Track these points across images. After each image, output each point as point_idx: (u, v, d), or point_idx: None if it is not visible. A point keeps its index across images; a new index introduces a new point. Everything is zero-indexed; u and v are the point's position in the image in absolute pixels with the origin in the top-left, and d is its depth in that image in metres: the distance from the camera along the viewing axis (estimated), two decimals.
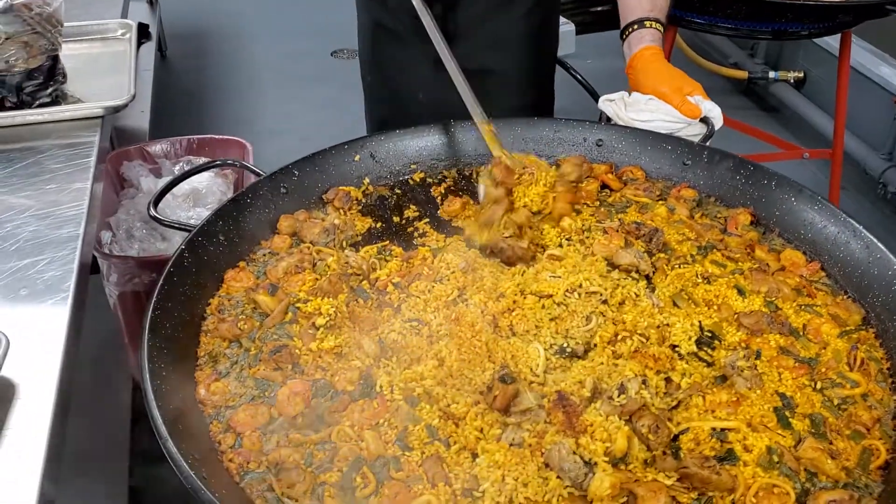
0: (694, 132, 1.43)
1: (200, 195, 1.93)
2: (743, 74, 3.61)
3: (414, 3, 1.43)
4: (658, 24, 1.56)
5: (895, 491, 0.89)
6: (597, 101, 1.64)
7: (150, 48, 3.85)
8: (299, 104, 4.02)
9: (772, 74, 3.56)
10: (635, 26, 1.56)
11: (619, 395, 0.96)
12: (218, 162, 1.41)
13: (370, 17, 1.86)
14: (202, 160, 2.03)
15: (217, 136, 2.18)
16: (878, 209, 3.29)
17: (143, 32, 3.91)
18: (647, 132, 1.44)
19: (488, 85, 1.67)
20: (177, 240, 1.86)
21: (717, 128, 1.42)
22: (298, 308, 1.13)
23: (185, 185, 1.94)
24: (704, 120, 1.43)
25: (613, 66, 4.01)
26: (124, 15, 1.97)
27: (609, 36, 2.80)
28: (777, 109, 3.81)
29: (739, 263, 1.21)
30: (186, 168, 1.96)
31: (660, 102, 1.45)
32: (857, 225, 1.19)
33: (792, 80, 3.59)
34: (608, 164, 1.44)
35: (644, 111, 1.45)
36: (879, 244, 1.15)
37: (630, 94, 1.51)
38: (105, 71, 1.70)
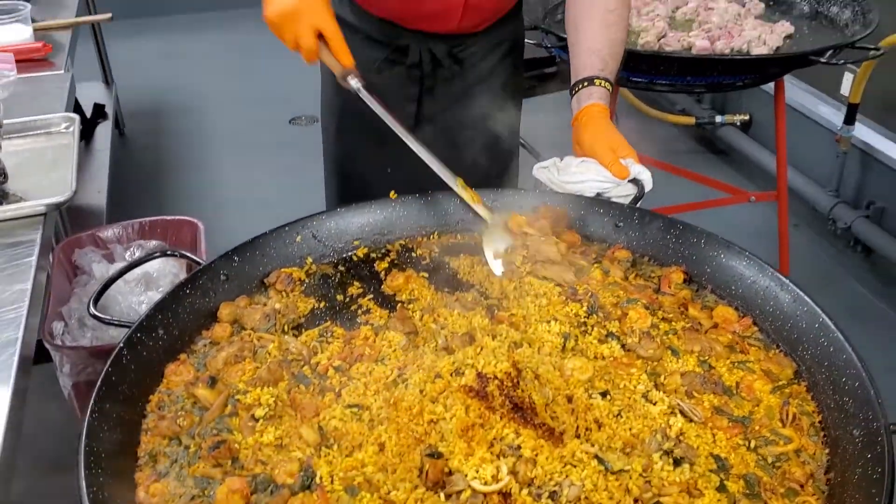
0: (623, 192, 1.46)
1: (153, 279, 1.94)
2: (690, 120, 3.70)
3: (362, 95, 1.47)
4: (607, 83, 1.60)
5: None
6: (537, 159, 1.68)
7: (106, 127, 3.89)
8: (260, 172, 4.05)
9: (718, 119, 3.65)
10: (585, 83, 1.59)
11: (547, 497, 0.95)
12: (157, 254, 1.42)
13: (339, 98, 1.91)
14: (153, 243, 2.04)
15: (169, 217, 2.19)
16: (831, 244, 3.36)
17: (99, 112, 3.97)
18: (581, 197, 1.47)
19: (454, 160, 1.72)
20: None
21: (647, 190, 1.46)
22: (238, 400, 1.13)
23: (136, 270, 1.95)
24: (636, 182, 1.47)
25: (556, 121, 4.11)
26: (69, 108, 1.99)
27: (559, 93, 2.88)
28: (726, 152, 3.90)
29: (673, 323, 1.23)
30: (137, 253, 1.98)
31: (591, 163, 1.49)
32: (783, 278, 1.22)
33: (738, 123, 3.68)
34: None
35: (576, 173, 1.49)
36: (805, 296, 1.18)
37: (562, 160, 1.55)
38: (49, 165, 1.71)
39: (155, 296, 1.86)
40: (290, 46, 1.47)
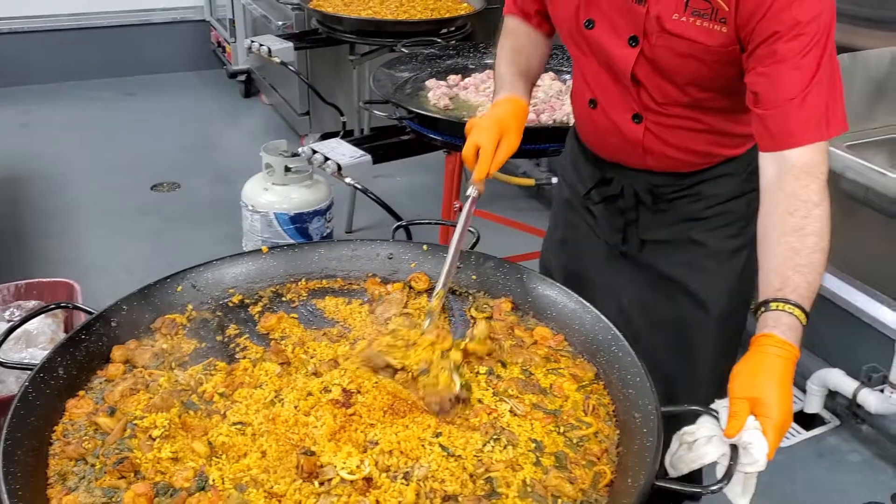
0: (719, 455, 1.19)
1: (32, 336, 2.06)
2: (530, 182, 4.10)
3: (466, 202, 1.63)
4: (788, 306, 1.26)
5: (614, 500, 1.19)
6: (397, 219, 1.90)
7: None
8: (124, 238, 4.11)
9: (554, 180, 4.06)
10: (762, 309, 1.29)
11: (401, 478, 1.20)
12: (52, 306, 1.57)
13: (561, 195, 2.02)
14: (32, 303, 2.16)
15: (45, 280, 2.31)
16: None
17: None
18: (423, 244, 1.74)
19: (647, 304, 1.82)
20: (11, 380, 1.97)
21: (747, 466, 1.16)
22: (136, 424, 1.31)
23: (17, 331, 2.06)
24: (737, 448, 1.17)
25: (415, 183, 4.44)
26: None
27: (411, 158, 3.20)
28: None
29: (502, 342, 1.52)
30: (17, 313, 2.08)
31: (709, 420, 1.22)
32: (585, 302, 1.53)
33: None
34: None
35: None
36: (601, 315, 1.49)
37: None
38: None
39: (36, 351, 1.98)
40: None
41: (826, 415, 3.01)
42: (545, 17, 1.77)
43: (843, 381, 2.84)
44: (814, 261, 1.29)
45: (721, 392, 1.23)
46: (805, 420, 2.98)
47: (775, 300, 1.26)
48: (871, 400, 2.75)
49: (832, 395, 2.95)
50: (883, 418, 2.82)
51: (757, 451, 1.13)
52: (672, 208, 1.77)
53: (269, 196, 3.43)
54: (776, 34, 1.36)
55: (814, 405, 2.96)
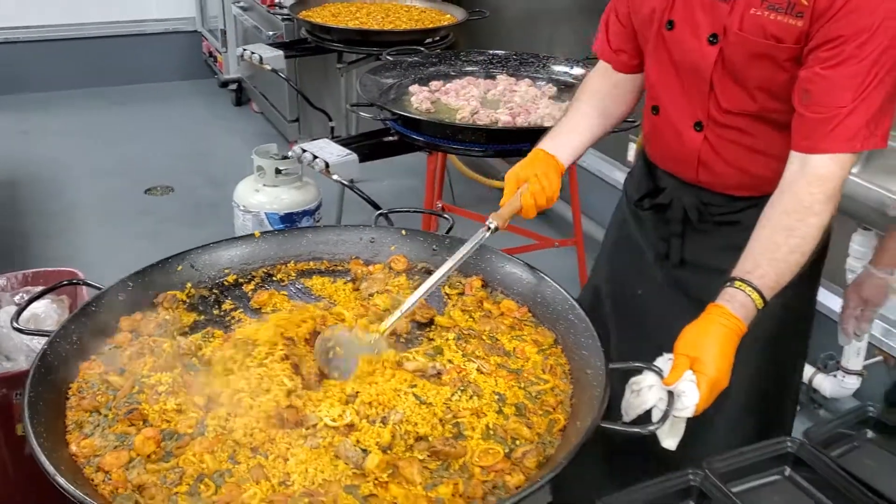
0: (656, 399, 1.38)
1: (40, 319, 2.21)
2: None
3: (485, 232, 1.68)
4: (750, 289, 1.41)
5: (566, 442, 1.36)
6: (377, 209, 2.06)
7: None
8: (120, 239, 4.27)
9: None
10: (727, 283, 1.43)
11: (379, 422, 1.36)
12: (64, 282, 1.73)
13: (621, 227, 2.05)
14: (38, 289, 2.30)
15: (50, 269, 2.47)
16: None
17: None
18: (401, 229, 1.91)
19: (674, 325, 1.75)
20: (21, 359, 2.13)
21: (678, 410, 1.34)
22: (143, 382, 1.48)
23: (26, 313, 2.21)
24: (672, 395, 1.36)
25: (400, 185, 4.61)
26: None
27: (395, 159, 3.37)
28: (544, 212, 4.51)
29: (472, 313, 1.69)
30: (26, 297, 2.24)
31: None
32: (546, 276, 1.70)
33: None
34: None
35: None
36: (560, 288, 1.66)
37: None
38: None
39: None
40: None
41: None
42: (637, 52, 1.79)
43: None
44: (790, 260, 1.42)
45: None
46: None
47: (741, 280, 1.40)
48: (825, 385, 2.94)
49: None
50: (836, 402, 3.00)
51: (688, 399, 1.33)
52: (718, 232, 1.77)
53: (260, 197, 3.59)
54: (841, 38, 1.38)
55: None
